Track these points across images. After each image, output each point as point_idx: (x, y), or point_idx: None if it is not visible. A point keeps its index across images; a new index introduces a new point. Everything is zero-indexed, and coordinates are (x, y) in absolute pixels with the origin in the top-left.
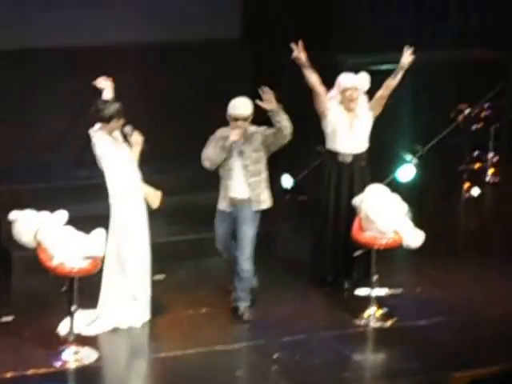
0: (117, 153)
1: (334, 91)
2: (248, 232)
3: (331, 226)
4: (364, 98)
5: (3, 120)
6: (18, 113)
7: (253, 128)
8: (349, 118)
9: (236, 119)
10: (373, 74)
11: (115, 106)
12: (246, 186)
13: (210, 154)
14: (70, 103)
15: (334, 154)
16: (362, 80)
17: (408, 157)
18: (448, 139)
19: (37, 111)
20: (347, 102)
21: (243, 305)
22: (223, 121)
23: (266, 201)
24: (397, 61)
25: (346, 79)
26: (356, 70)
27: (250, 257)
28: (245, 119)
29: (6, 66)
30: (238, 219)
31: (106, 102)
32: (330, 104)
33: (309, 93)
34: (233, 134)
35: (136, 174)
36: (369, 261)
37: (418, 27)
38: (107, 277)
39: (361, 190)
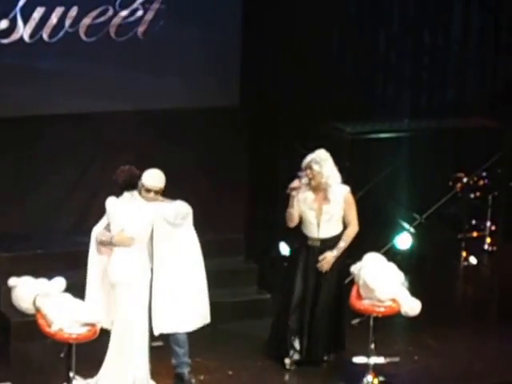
0: None
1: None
2: None
3: (293, 307)
4: (335, 181)
5: (1, 186)
6: (15, 178)
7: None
8: (317, 201)
9: (149, 190)
10: (371, 142)
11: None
12: None
13: None
14: (69, 169)
15: (304, 237)
16: (316, 156)
17: (405, 225)
18: (446, 207)
19: (35, 177)
20: (308, 180)
21: (188, 370)
22: None
23: None
24: (394, 129)
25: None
26: (354, 139)
27: None
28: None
29: (4, 131)
30: None
31: (130, 168)
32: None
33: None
34: None
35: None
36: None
37: (415, 95)
38: (113, 346)
39: (328, 274)
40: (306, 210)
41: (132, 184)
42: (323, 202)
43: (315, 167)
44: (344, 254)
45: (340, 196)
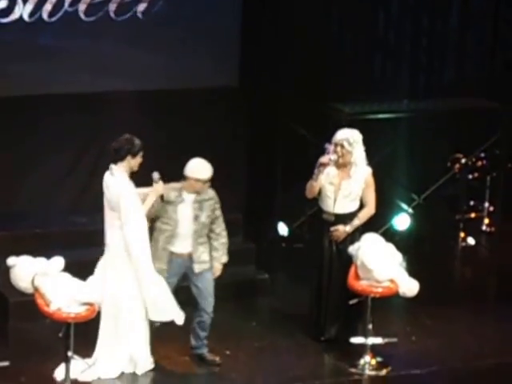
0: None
1: (332, 146)
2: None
3: (318, 281)
4: (361, 162)
5: (1, 166)
6: (15, 158)
7: (210, 192)
8: (339, 176)
9: (206, 182)
10: (370, 122)
11: (136, 143)
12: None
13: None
14: (68, 148)
15: (320, 210)
16: (350, 136)
17: (404, 206)
18: (444, 188)
19: (34, 156)
20: (337, 157)
21: (206, 350)
22: None
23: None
24: (393, 110)
25: (336, 134)
26: (353, 120)
27: None
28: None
29: (4, 110)
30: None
31: (127, 139)
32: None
33: (303, 142)
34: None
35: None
36: (357, 315)
37: (414, 76)
38: (104, 324)
39: (341, 249)
40: (326, 184)
41: (121, 155)
42: (344, 179)
43: (347, 147)
44: (357, 232)
45: (361, 176)
